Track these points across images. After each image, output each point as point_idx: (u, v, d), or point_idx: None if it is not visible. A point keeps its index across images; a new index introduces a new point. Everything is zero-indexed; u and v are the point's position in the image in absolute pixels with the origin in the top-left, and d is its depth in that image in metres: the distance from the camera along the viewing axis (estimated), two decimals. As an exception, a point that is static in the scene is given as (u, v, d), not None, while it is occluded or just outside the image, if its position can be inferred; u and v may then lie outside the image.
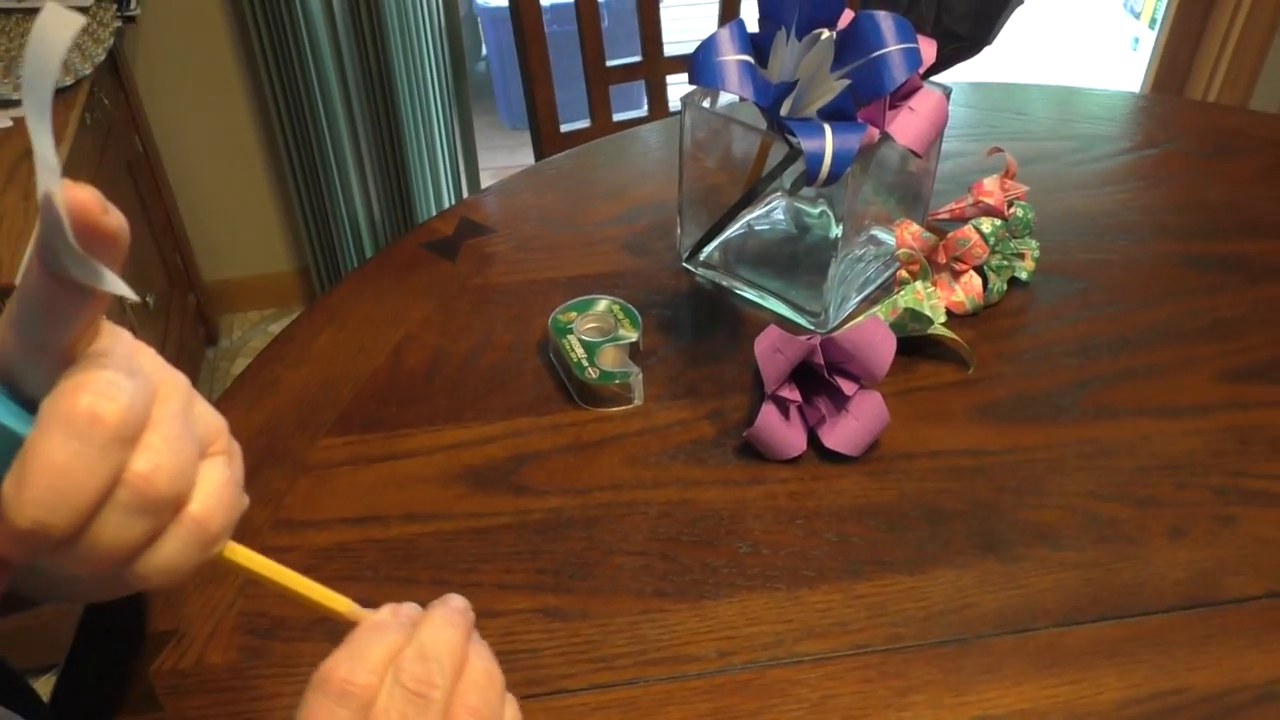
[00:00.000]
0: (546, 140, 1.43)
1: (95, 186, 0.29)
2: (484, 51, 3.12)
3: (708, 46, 0.60)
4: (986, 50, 0.73)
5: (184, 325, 1.92)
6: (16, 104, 1.41)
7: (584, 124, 1.46)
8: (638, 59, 1.44)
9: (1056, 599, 0.59)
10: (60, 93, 1.43)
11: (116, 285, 0.29)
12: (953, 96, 1.08)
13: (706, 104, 0.75)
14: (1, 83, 1.40)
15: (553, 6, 2.51)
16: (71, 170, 1.36)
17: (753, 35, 0.63)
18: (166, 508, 0.31)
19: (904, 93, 0.70)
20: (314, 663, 0.37)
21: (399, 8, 1.81)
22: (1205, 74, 2.28)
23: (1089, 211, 0.91)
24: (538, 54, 1.36)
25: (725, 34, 0.60)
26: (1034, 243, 0.81)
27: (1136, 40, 3.15)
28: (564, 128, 1.44)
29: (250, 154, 2.00)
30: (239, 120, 1.95)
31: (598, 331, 0.73)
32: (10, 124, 1.38)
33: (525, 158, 1.49)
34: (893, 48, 0.60)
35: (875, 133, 0.67)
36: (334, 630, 0.39)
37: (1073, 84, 1.15)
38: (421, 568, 0.61)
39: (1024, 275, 0.81)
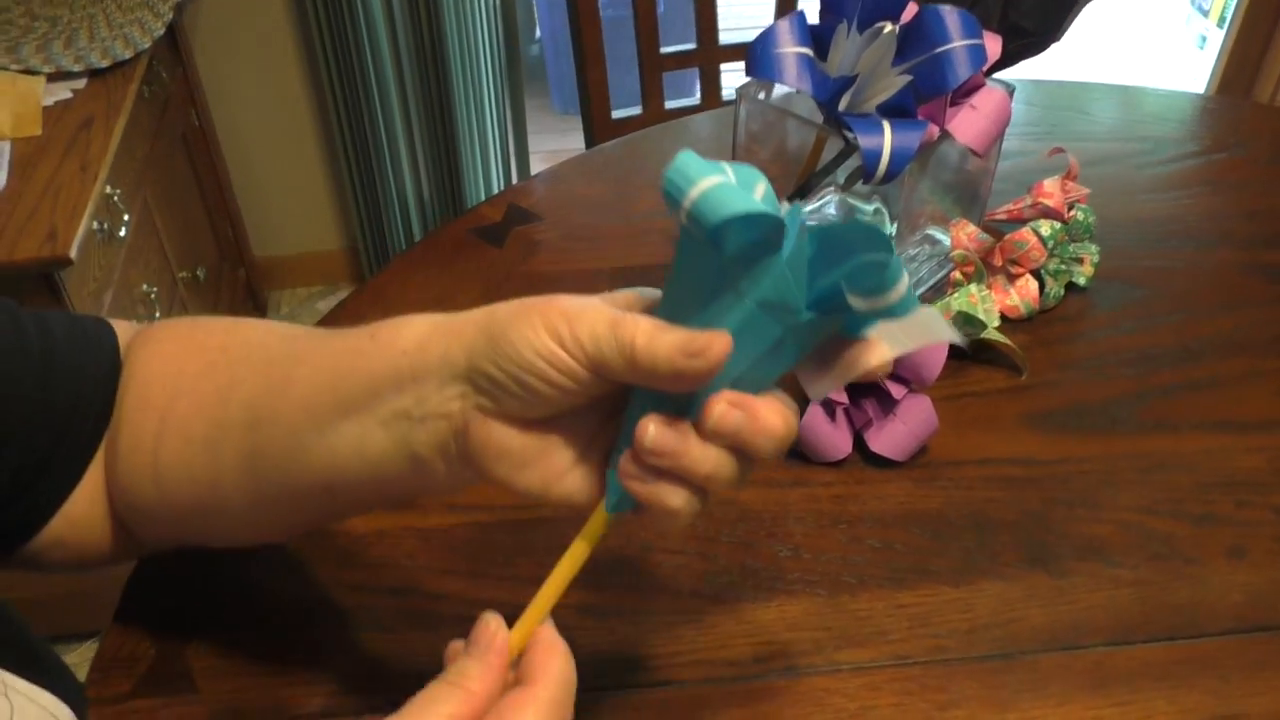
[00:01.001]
0: (598, 126, 1.42)
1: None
2: (538, 34, 3.12)
3: (766, 38, 0.59)
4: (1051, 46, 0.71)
5: (234, 299, 1.94)
6: (77, 75, 1.42)
7: (636, 110, 1.45)
8: (692, 46, 1.42)
9: (1107, 617, 0.58)
10: (119, 65, 1.45)
11: None
12: (1016, 95, 1.06)
13: (762, 96, 0.74)
14: (62, 54, 1.42)
15: (609, -10, 2.50)
16: (127, 142, 1.37)
17: (813, 27, 0.61)
18: None
19: (966, 90, 0.68)
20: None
21: (455, -12, 1.81)
22: (1275, 74, 2.22)
23: (1152, 216, 0.89)
24: (592, 37, 1.35)
25: (785, 25, 0.59)
26: (1094, 247, 0.79)
27: (1204, 38, 3.08)
28: (615, 114, 1.43)
29: (303, 131, 2.01)
30: (293, 97, 1.96)
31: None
32: (70, 95, 1.39)
33: (576, 142, 1.48)
34: (957, 43, 0.59)
35: (935, 130, 0.65)
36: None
37: (1137, 81, 1.12)
38: (460, 558, 0.60)
39: (1082, 280, 0.79)
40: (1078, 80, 1.11)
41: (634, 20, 1.38)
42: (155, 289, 1.47)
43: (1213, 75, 2.34)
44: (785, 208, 0.35)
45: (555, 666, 0.39)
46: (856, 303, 0.35)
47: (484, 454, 0.39)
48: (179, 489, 0.47)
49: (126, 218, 1.35)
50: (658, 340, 0.35)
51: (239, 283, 2.00)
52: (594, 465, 0.41)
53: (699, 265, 0.36)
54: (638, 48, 1.40)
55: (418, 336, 0.41)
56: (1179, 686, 0.54)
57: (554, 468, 0.40)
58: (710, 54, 1.43)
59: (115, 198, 1.32)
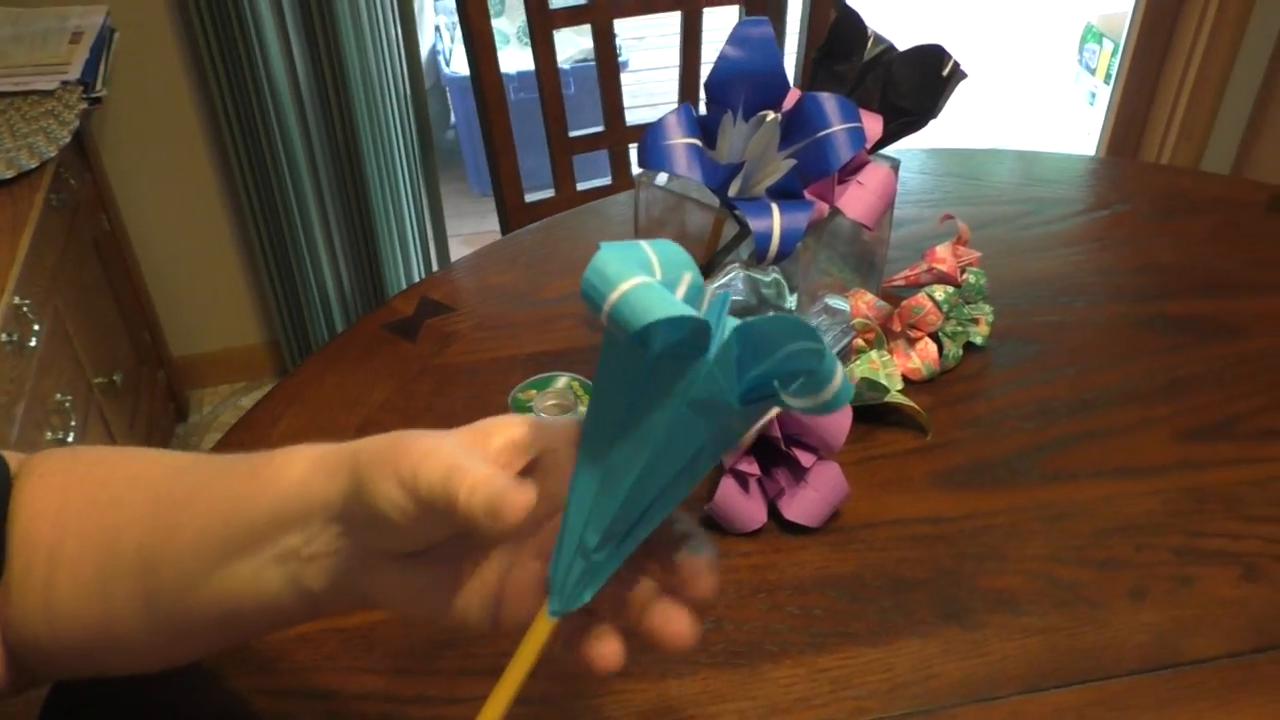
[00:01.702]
0: (511, 210, 1.44)
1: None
2: (452, 120, 3.16)
3: (655, 131, 0.61)
4: (943, 115, 0.75)
5: (153, 402, 1.91)
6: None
7: (549, 193, 1.47)
8: (600, 129, 1.46)
9: (1019, 666, 0.60)
10: (25, 175, 1.44)
11: None
12: (908, 163, 1.11)
13: (661, 181, 0.77)
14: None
15: (519, 74, 2.55)
16: (35, 252, 1.36)
17: (701, 118, 0.64)
18: None
19: (853, 167, 0.71)
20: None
21: (364, 79, 1.84)
22: (1159, 131, 2.33)
23: (1044, 275, 0.93)
24: (500, 126, 1.38)
25: (672, 119, 0.61)
26: (988, 308, 0.83)
27: (1093, 95, 3.22)
28: (529, 197, 1.45)
29: (219, 229, 2.00)
30: (207, 196, 1.96)
31: (558, 409, 0.73)
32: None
33: (495, 224, 1.50)
34: (837, 127, 0.62)
35: (825, 208, 0.68)
36: None
37: (1032, 142, 1.18)
38: (382, 656, 0.60)
39: (979, 340, 0.82)
40: (968, 148, 1.16)
41: (542, 106, 1.41)
42: (70, 398, 1.45)
43: (1103, 131, 2.45)
44: (712, 294, 0.36)
45: None
46: (794, 402, 0.35)
47: (379, 589, 0.40)
48: (72, 628, 0.47)
49: (37, 328, 1.34)
50: (474, 498, 0.36)
51: (158, 385, 1.97)
52: (522, 575, 0.41)
53: (625, 365, 0.36)
54: (547, 131, 1.43)
55: (299, 477, 0.41)
56: (1090, 730, 0.56)
57: (471, 592, 0.41)
58: (618, 135, 1.47)
59: (25, 309, 1.30)
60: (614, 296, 0.33)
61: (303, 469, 0.41)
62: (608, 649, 0.40)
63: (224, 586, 0.43)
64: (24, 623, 0.48)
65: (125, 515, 0.47)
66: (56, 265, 1.47)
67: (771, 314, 0.36)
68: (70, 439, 1.41)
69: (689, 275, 0.36)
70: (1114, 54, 2.96)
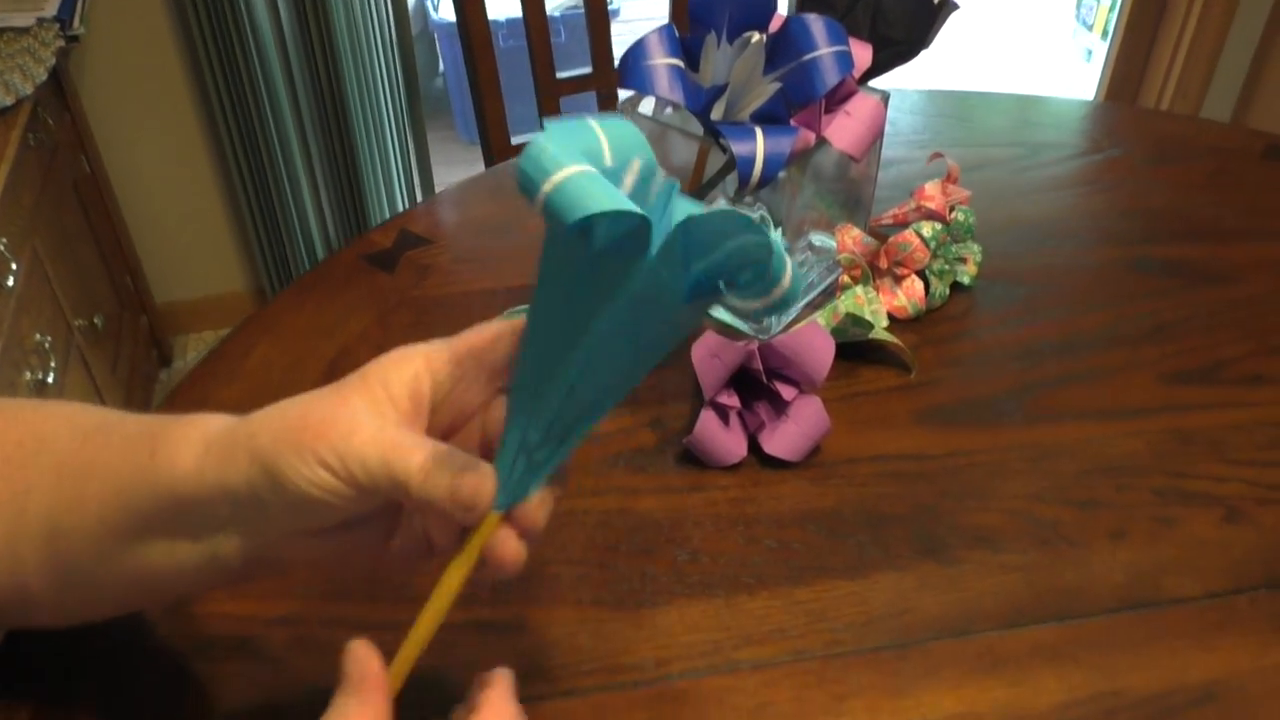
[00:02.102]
0: (498, 154, 1.42)
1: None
2: (440, 67, 3.12)
3: (636, 50, 0.60)
4: (940, 63, 0.73)
5: (136, 347, 1.89)
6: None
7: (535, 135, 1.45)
8: (587, 70, 1.44)
9: (996, 602, 0.59)
10: (1, 113, 1.41)
11: None
12: (899, 103, 1.09)
13: (646, 109, 0.75)
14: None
15: (508, 21, 2.51)
16: (12, 191, 1.34)
17: (683, 39, 0.62)
18: None
19: (840, 97, 0.70)
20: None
21: (350, 25, 1.80)
22: (1156, 85, 2.31)
23: (1034, 217, 0.92)
24: (487, 68, 1.36)
25: (654, 38, 0.60)
26: (976, 247, 0.81)
27: (1090, 52, 3.20)
28: (515, 139, 1.43)
29: (201, 174, 1.98)
30: (189, 139, 1.93)
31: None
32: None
33: (483, 171, 1.48)
34: (824, 51, 0.60)
35: (811, 137, 0.67)
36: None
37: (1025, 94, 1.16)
38: (352, 582, 0.59)
39: (966, 280, 0.81)
40: (962, 89, 1.14)
41: (529, 47, 1.39)
42: (49, 338, 1.43)
43: (1099, 87, 2.43)
44: (661, 181, 0.34)
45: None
46: (741, 303, 0.34)
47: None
48: None
49: (15, 267, 1.32)
50: (431, 483, 0.36)
51: (140, 330, 1.95)
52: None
53: (565, 257, 0.34)
54: (534, 77, 1.41)
55: (193, 465, 0.39)
56: (1066, 665, 0.56)
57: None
58: (606, 78, 1.45)
59: (1, 247, 1.29)
60: (547, 186, 0.31)
61: (195, 456, 0.40)
62: (513, 549, 0.40)
63: (138, 561, 0.42)
64: None
65: (31, 477, 0.45)
66: (34, 206, 1.45)
67: (720, 207, 0.34)
68: (50, 380, 1.40)
69: (638, 161, 0.34)
70: (1111, 8, 2.94)
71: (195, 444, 0.40)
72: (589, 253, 0.33)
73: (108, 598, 0.46)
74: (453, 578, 0.40)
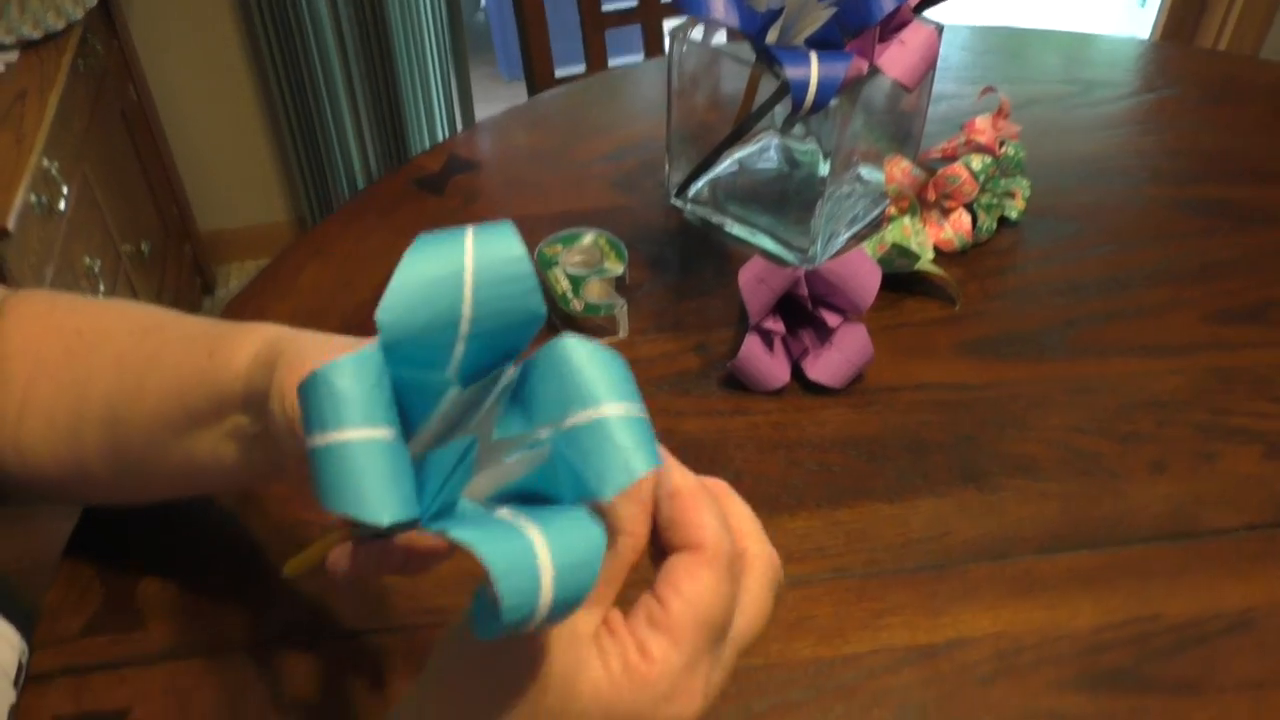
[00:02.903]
0: (541, 85, 1.42)
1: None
2: (483, 2, 3.10)
3: (693, -29, 0.59)
4: (993, 4, 0.72)
5: (180, 275, 1.92)
6: (8, 48, 1.40)
7: (579, 69, 1.45)
8: (634, 3, 1.42)
9: (1035, 528, 0.60)
10: (51, 37, 1.42)
11: None
12: (951, 39, 1.07)
13: (697, 37, 0.75)
14: (-7, 24, 1.39)
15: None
16: (63, 115, 1.36)
17: (740, -39, 0.62)
18: None
19: (895, 25, 0.69)
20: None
21: (395, -46, 1.79)
22: (1214, 29, 2.25)
23: (1084, 155, 0.91)
24: (533, -1, 1.35)
25: (711, -42, 0.60)
26: (1025, 182, 0.81)
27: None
28: (559, 73, 1.43)
29: (246, 107, 1.99)
30: (234, 70, 1.94)
31: (584, 264, 0.73)
32: (2, 68, 1.37)
33: (522, 106, 1.48)
34: (880, -26, 0.60)
35: (864, 64, 0.67)
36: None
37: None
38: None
39: (1014, 214, 0.81)
40: (1015, 26, 1.12)
41: (575, -21, 1.38)
42: (99, 262, 1.46)
43: (1154, 28, 2.37)
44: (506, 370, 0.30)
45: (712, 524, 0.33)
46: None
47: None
48: (43, 464, 0.49)
49: (65, 191, 1.34)
50: None
51: (185, 258, 1.98)
52: None
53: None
54: (579, 4, 1.39)
55: (244, 366, 0.42)
56: (1103, 590, 0.56)
57: None
58: (652, 9, 1.43)
59: (53, 170, 1.30)
60: (319, 440, 0.26)
61: (248, 358, 0.42)
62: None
63: (185, 452, 0.45)
64: None
65: (96, 364, 0.48)
66: (84, 131, 1.47)
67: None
68: (99, 303, 1.42)
69: (494, 314, 0.29)
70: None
71: (249, 349, 0.43)
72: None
73: (156, 485, 0.49)
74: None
